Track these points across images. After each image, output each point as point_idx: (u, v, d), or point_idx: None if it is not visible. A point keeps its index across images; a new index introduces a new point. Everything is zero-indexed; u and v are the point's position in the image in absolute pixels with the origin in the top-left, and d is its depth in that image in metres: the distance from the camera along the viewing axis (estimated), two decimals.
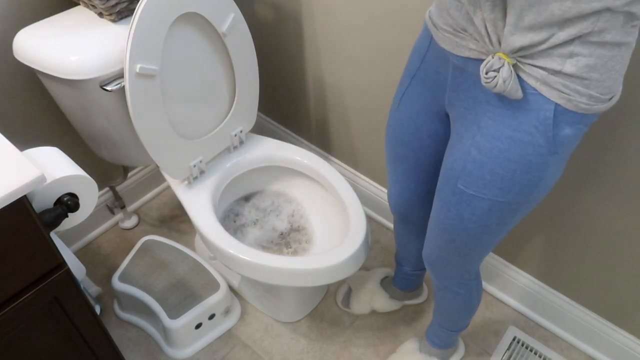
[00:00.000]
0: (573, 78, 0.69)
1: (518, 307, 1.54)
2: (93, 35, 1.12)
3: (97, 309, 1.47)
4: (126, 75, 1.05)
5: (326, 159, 1.77)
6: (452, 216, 0.90)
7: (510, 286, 1.50)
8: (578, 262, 1.31)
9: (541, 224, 1.31)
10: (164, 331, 1.38)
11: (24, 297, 0.77)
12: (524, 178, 0.79)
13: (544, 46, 0.68)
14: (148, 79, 1.09)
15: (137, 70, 1.05)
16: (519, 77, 0.72)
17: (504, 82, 0.71)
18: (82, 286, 1.01)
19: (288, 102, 1.75)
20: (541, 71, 0.70)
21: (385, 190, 1.68)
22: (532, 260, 1.41)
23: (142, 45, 1.04)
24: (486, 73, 0.72)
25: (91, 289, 1.50)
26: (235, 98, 1.35)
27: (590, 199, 1.17)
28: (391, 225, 1.75)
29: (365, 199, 1.75)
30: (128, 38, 1.02)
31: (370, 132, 1.55)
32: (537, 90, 0.71)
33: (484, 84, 0.73)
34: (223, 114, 1.36)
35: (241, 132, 1.42)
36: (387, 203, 1.69)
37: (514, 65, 0.71)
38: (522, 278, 1.46)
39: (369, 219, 1.75)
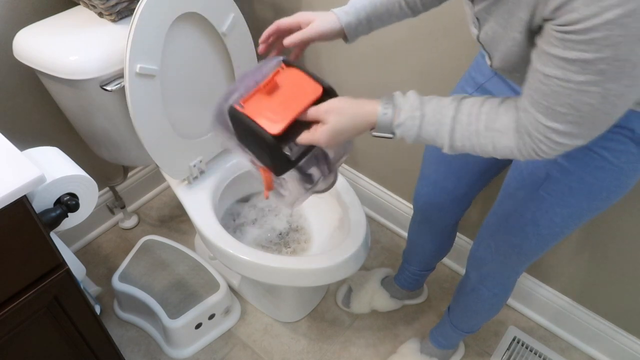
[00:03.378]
0: None
1: (518, 307, 1.54)
2: (93, 35, 1.12)
3: (97, 309, 1.47)
4: (126, 75, 1.05)
5: None
6: (525, 221, 0.88)
7: None
8: (579, 263, 1.31)
9: None
10: (164, 331, 1.38)
11: (24, 297, 0.77)
12: (613, 185, 0.78)
13: None
14: (148, 79, 1.09)
15: (137, 70, 1.05)
16: None
17: None
18: (82, 286, 1.01)
19: None
20: None
21: (386, 190, 1.68)
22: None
23: (142, 45, 1.04)
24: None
25: (91, 289, 1.50)
26: None
27: None
28: (391, 225, 1.75)
29: (365, 199, 1.75)
30: (128, 38, 1.02)
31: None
32: (631, 108, 0.69)
33: None
34: None
35: None
36: (387, 202, 1.69)
37: None
38: (523, 279, 1.46)
39: (369, 219, 1.75)
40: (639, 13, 0.47)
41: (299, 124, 0.70)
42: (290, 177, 0.79)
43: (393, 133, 0.70)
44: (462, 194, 1.11)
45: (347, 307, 1.52)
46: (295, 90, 0.73)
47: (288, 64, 0.77)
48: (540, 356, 1.44)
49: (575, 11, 0.50)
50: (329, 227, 1.40)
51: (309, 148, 0.73)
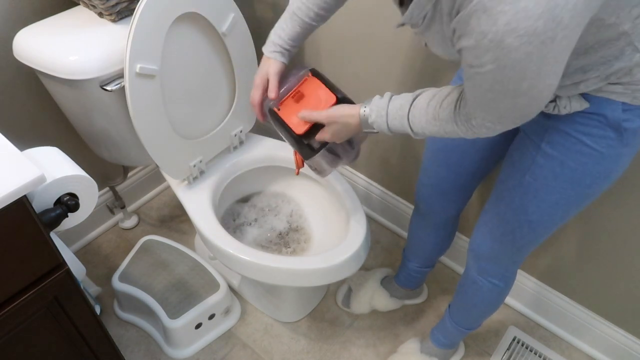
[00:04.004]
0: (627, 84, 0.71)
1: (518, 307, 1.54)
2: (93, 35, 1.12)
3: (97, 309, 1.47)
4: (126, 75, 1.05)
5: None
6: (515, 208, 0.92)
7: None
8: (579, 263, 1.31)
9: None
10: (164, 331, 1.38)
11: (24, 297, 0.77)
12: (596, 170, 0.80)
13: (584, 78, 0.71)
14: (148, 79, 1.09)
15: (137, 70, 1.05)
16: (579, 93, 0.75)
17: (565, 107, 0.75)
18: (82, 286, 1.01)
19: None
20: (595, 86, 0.72)
21: (386, 190, 1.68)
22: (533, 261, 1.41)
23: (142, 45, 1.04)
24: (545, 106, 0.74)
25: (91, 289, 1.50)
26: (235, 98, 1.35)
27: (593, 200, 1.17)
28: (391, 225, 1.75)
29: (365, 199, 1.75)
30: (128, 38, 1.02)
31: None
32: (601, 96, 0.74)
33: (547, 112, 0.78)
34: (223, 113, 1.36)
35: (241, 132, 1.42)
36: (386, 202, 1.69)
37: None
38: (523, 279, 1.46)
39: (369, 219, 1.75)
40: (509, 68, 0.57)
41: (317, 125, 0.95)
42: (320, 155, 1.01)
43: (374, 128, 0.86)
44: (463, 183, 1.13)
45: (347, 307, 1.52)
46: (316, 99, 0.98)
47: (314, 73, 1.00)
48: (540, 356, 1.44)
49: (467, 58, 0.61)
50: (329, 227, 1.40)
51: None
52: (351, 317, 1.52)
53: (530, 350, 1.45)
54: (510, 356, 1.43)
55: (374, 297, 1.50)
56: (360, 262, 1.20)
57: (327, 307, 1.54)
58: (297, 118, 0.97)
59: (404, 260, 1.43)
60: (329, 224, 1.40)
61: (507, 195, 0.93)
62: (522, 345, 1.46)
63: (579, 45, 0.63)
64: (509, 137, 0.97)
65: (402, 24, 0.72)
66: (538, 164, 0.85)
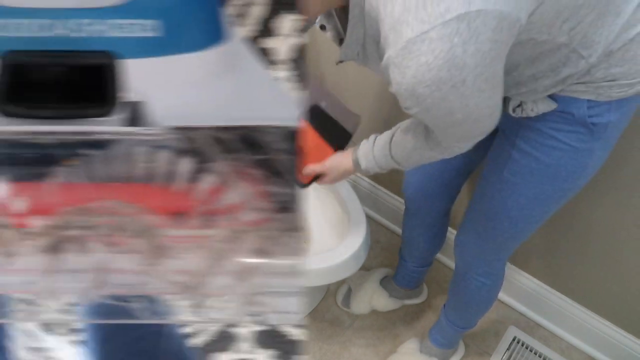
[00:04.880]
0: (589, 83, 0.72)
1: (518, 307, 1.54)
2: None
3: None
4: None
5: None
6: (496, 203, 0.93)
7: (510, 286, 1.50)
8: (578, 262, 1.31)
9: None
10: None
11: None
12: (571, 165, 0.81)
13: (536, 85, 0.74)
14: None
15: None
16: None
17: (532, 109, 0.77)
18: None
19: None
20: (555, 89, 0.74)
21: (386, 191, 1.68)
22: (533, 261, 1.41)
23: None
24: (513, 111, 0.79)
25: None
26: None
27: (590, 199, 1.17)
28: (391, 225, 1.75)
29: (365, 199, 1.75)
30: None
31: (368, 131, 1.55)
32: (566, 95, 0.75)
33: (516, 116, 0.80)
34: None
35: None
36: (386, 202, 1.69)
37: None
38: (523, 278, 1.46)
39: (369, 219, 1.74)
40: (433, 109, 0.61)
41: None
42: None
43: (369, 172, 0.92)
44: (449, 180, 1.14)
45: (347, 307, 1.52)
46: (315, 152, 1.01)
47: (312, 114, 1.03)
48: (540, 356, 1.44)
49: (399, 100, 0.64)
50: (328, 227, 1.40)
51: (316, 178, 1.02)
52: (351, 317, 1.52)
53: (530, 350, 1.45)
54: (510, 356, 1.43)
55: (373, 297, 1.50)
56: (360, 262, 1.20)
57: (327, 307, 1.54)
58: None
59: (400, 261, 1.44)
60: (329, 224, 1.40)
61: (488, 191, 0.95)
62: (522, 345, 1.46)
63: (523, 58, 0.68)
64: (490, 134, 0.98)
65: (341, 61, 0.77)
66: (514, 159, 0.86)
